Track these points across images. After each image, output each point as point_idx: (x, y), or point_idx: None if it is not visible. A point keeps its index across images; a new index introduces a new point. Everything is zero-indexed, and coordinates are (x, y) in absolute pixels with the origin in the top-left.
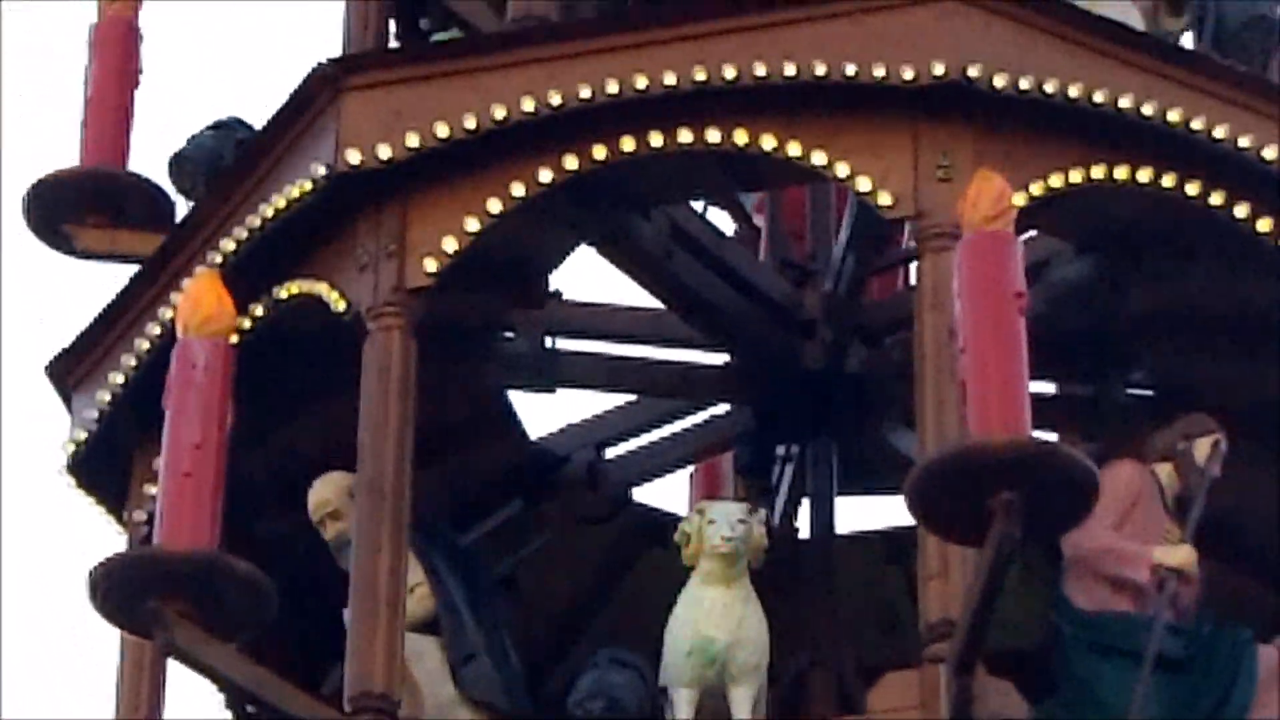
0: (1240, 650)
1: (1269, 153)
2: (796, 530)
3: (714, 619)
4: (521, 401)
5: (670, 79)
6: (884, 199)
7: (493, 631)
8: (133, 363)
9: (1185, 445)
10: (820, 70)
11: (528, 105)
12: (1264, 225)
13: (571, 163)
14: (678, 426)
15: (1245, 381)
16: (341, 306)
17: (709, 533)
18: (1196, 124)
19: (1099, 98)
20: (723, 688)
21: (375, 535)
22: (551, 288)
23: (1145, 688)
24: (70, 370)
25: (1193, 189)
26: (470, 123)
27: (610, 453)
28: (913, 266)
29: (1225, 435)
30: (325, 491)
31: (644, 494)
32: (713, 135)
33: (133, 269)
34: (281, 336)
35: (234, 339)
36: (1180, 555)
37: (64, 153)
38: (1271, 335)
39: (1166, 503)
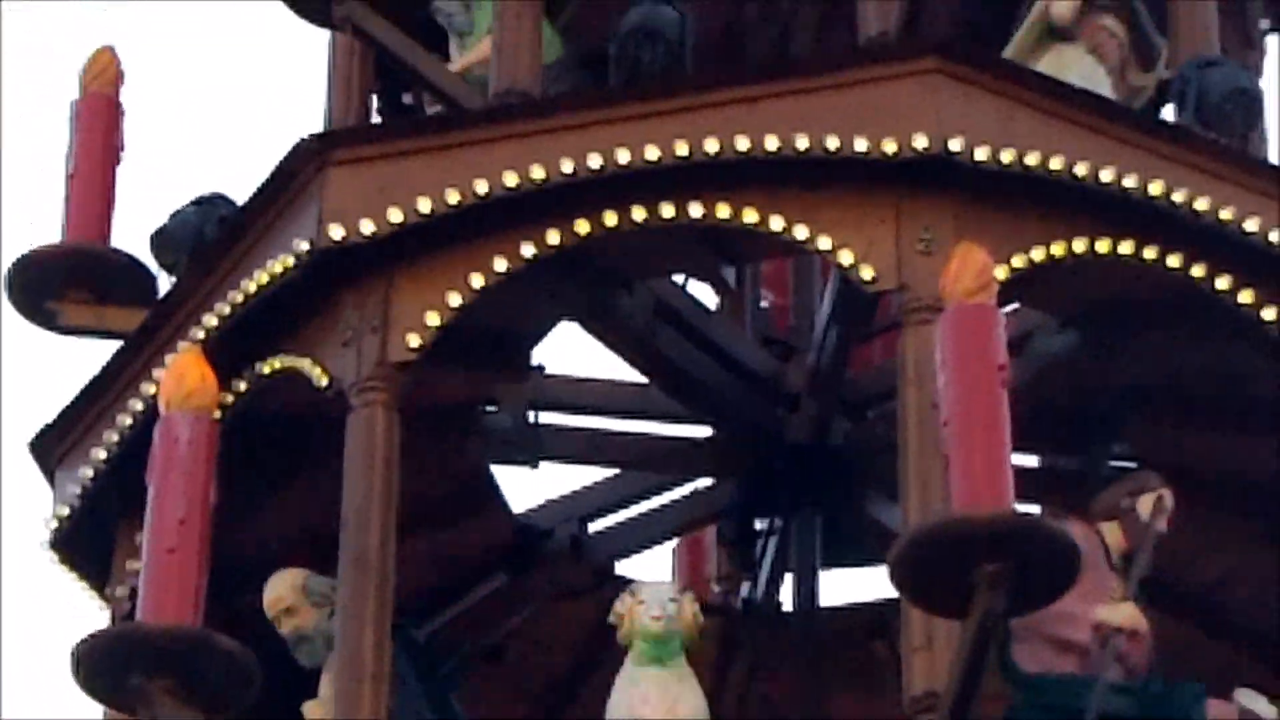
0: (1190, 706)
1: (1251, 225)
2: (780, 604)
3: (650, 700)
4: (505, 475)
5: (652, 153)
6: (866, 273)
7: None
8: (116, 438)
9: (1130, 502)
10: (802, 144)
11: (510, 180)
12: (1246, 298)
13: (554, 237)
14: (661, 500)
15: (1231, 456)
16: (325, 382)
17: (639, 613)
18: (1178, 197)
19: (1080, 171)
20: None
21: (360, 609)
22: (534, 362)
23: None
24: (53, 446)
25: (1174, 261)
26: (453, 198)
27: (594, 526)
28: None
29: (1170, 491)
30: (279, 589)
31: (627, 567)
32: (695, 210)
33: (116, 345)
34: (265, 412)
35: (217, 414)
36: (1123, 613)
37: (47, 229)
38: (1254, 408)
39: (1113, 561)
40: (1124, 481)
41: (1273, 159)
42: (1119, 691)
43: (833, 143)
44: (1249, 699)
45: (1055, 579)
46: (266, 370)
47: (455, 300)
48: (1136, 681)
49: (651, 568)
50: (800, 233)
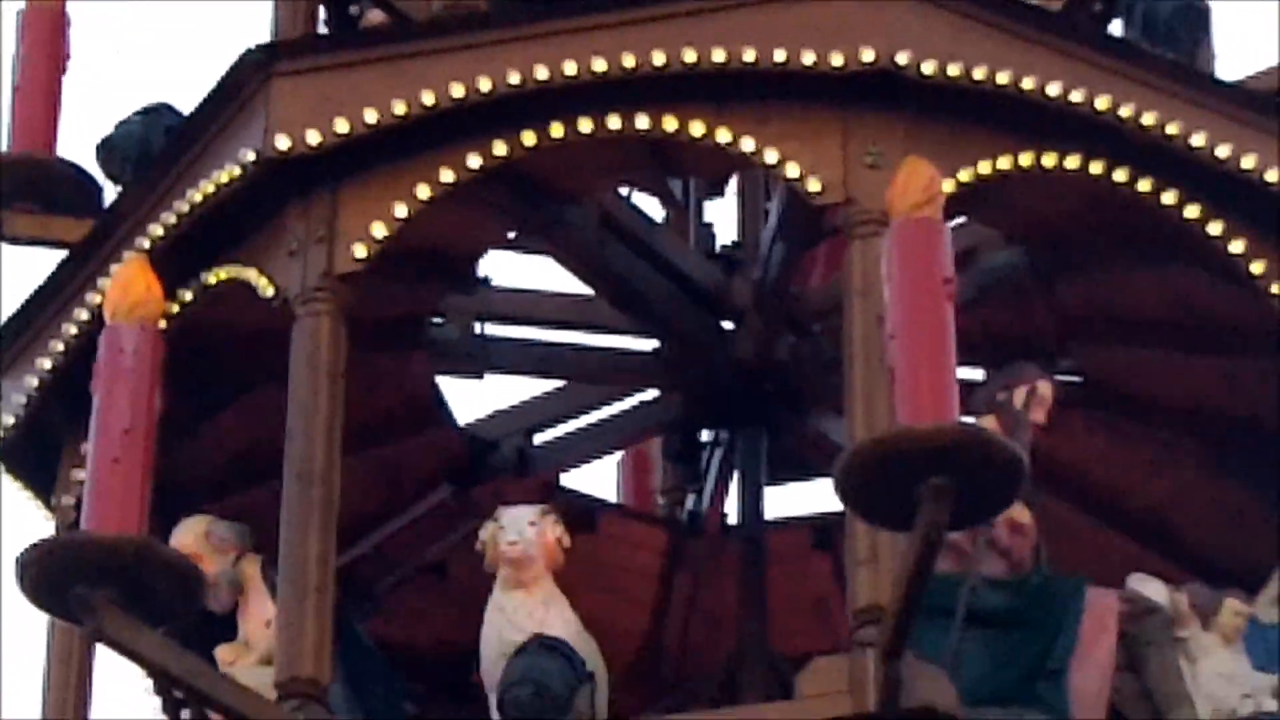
0: (1069, 597)
1: (1197, 140)
2: (725, 517)
3: (516, 623)
4: (451, 388)
5: (600, 65)
6: (813, 186)
7: (360, 660)
8: (61, 348)
9: (1005, 395)
10: (749, 57)
11: (457, 91)
12: (1192, 212)
13: (501, 149)
14: (607, 412)
15: (1179, 379)
16: (270, 292)
17: (499, 539)
18: (1124, 111)
19: (1027, 85)
20: None
21: (304, 522)
22: (481, 274)
23: (954, 644)
24: None
25: (1121, 176)
26: (400, 109)
27: (539, 439)
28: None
29: (1049, 381)
30: (183, 537)
31: (573, 479)
32: (642, 122)
33: (62, 255)
34: (212, 323)
35: (163, 325)
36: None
37: None
38: (1204, 332)
39: None
40: (1000, 373)
41: (1219, 74)
42: (995, 586)
43: (780, 56)
44: (1140, 583)
45: (999, 492)
46: (212, 281)
47: (401, 212)
48: (1016, 576)
49: (597, 480)
50: (747, 146)
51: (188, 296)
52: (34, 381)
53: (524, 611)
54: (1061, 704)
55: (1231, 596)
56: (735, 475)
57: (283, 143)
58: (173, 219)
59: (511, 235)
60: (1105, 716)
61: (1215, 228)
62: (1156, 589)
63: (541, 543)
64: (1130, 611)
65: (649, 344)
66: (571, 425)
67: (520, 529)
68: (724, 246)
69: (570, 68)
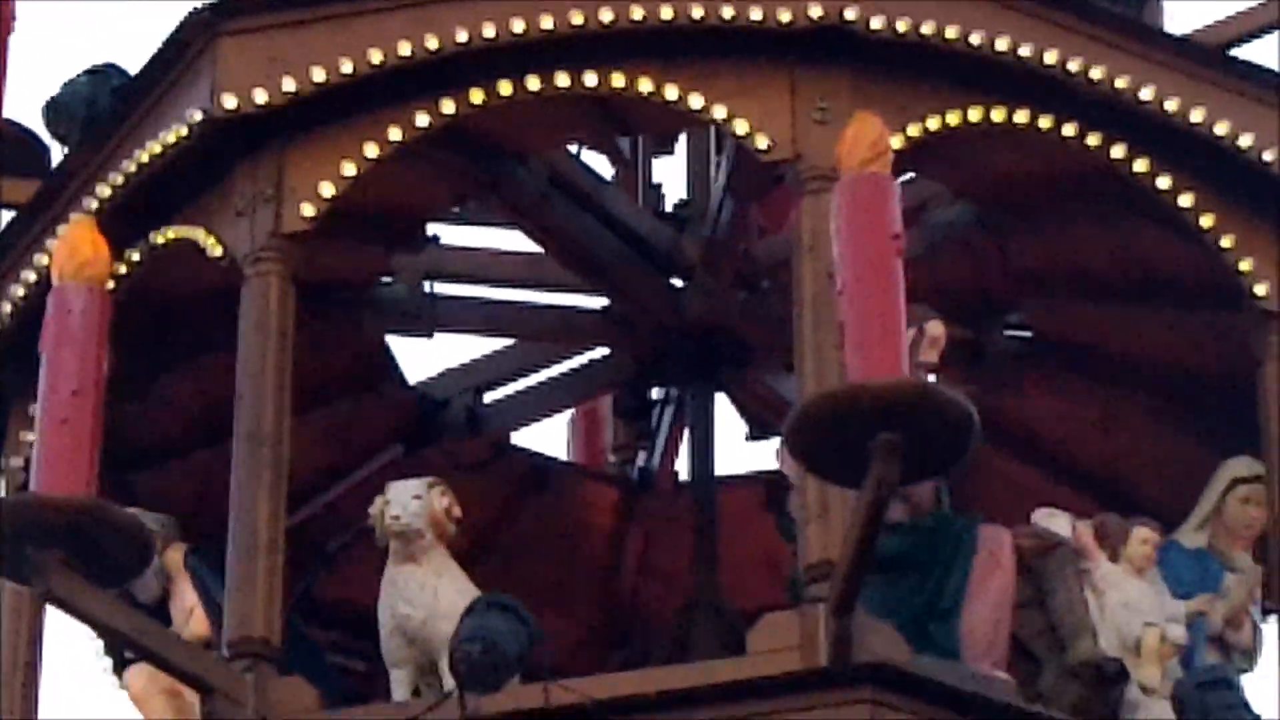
0: (961, 536)
1: (1146, 94)
2: (676, 474)
3: (407, 597)
4: (400, 347)
5: (547, 23)
6: (761, 142)
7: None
8: (8, 309)
9: None
10: (697, 13)
11: (404, 50)
12: (1141, 167)
13: (449, 107)
14: (557, 371)
15: (1130, 334)
16: (219, 252)
17: (386, 512)
18: (1073, 66)
19: (976, 40)
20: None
21: (255, 482)
22: (430, 232)
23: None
24: None
25: (1070, 131)
26: (347, 68)
27: (489, 397)
28: None
29: (938, 320)
30: None
31: (524, 438)
32: (590, 79)
33: (8, 216)
34: (160, 284)
35: (111, 285)
36: None
37: None
38: (1154, 286)
39: None
40: None
41: (1168, 28)
42: (890, 531)
43: (727, 12)
44: (1046, 518)
45: (950, 448)
46: (160, 241)
47: (349, 170)
48: (911, 520)
49: (548, 438)
50: (695, 102)
51: (135, 257)
52: None
53: (415, 584)
54: (952, 644)
55: (1142, 525)
56: (686, 432)
57: (230, 102)
58: (120, 179)
59: (460, 199)
60: (1003, 653)
61: (1165, 182)
62: (1061, 523)
63: (429, 515)
64: (1036, 546)
65: (599, 302)
66: (522, 384)
67: (404, 503)
68: (674, 204)
69: (518, 26)
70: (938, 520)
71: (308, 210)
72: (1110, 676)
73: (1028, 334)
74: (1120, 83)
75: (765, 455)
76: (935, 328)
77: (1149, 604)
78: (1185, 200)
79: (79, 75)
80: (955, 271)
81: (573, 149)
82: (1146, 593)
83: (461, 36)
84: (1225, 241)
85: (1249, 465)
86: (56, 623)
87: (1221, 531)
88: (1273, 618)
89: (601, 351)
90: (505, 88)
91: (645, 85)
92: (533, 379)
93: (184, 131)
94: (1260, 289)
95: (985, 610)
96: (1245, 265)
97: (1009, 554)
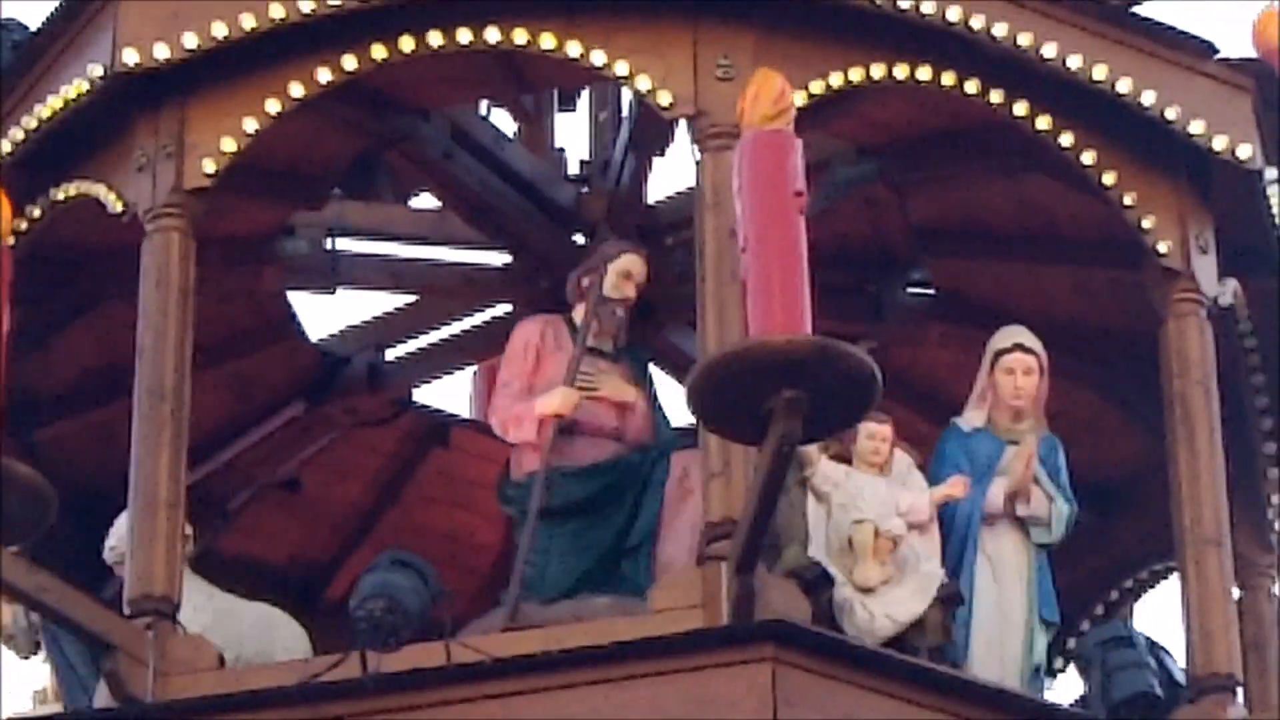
0: (651, 470)
1: (1048, 51)
2: None
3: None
4: (302, 303)
5: None
6: (663, 98)
7: None
8: None
9: (588, 279)
10: None
11: (306, 6)
12: (1043, 123)
13: (350, 63)
14: (460, 327)
15: (1030, 289)
16: (120, 208)
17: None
18: (976, 23)
19: None
20: None
21: (156, 438)
22: (332, 188)
23: (529, 543)
24: None
25: (972, 88)
26: (248, 23)
27: (391, 354)
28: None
29: (634, 253)
30: None
31: (426, 395)
32: (492, 35)
33: None
34: (61, 240)
35: (11, 242)
36: (554, 401)
37: None
38: (1054, 242)
39: (587, 343)
40: (585, 260)
41: None
42: (573, 477)
43: None
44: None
45: (852, 404)
46: (61, 196)
47: (251, 126)
48: (597, 463)
49: (450, 395)
50: (597, 58)
51: (36, 213)
52: None
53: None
54: (644, 579)
55: (870, 420)
56: None
57: (130, 57)
58: (20, 135)
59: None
60: None
61: (1067, 139)
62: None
63: None
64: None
65: (502, 258)
66: (424, 340)
67: (120, 535)
68: (578, 161)
69: None
70: (623, 460)
71: (209, 166)
72: (810, 582)
73: (929, 289)
74: (1023, 40)
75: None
76: (627, 261)
77: (869, 500)
78: (1087, 157)
79: None
80: (856, 227)
81: (480, 106)
82: (872, 489)
83: None
84: (1127, 199)
85: (1008, 335)
86: None
87: (996, 406)
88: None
89: (504, 308)
90: (407, 43)
91: (548, 41)
92: (435, 336)
93: (85, 87)
94: (1162, 246)
95: (682, 539)
96: (1147, 223)
97: (696, 478)
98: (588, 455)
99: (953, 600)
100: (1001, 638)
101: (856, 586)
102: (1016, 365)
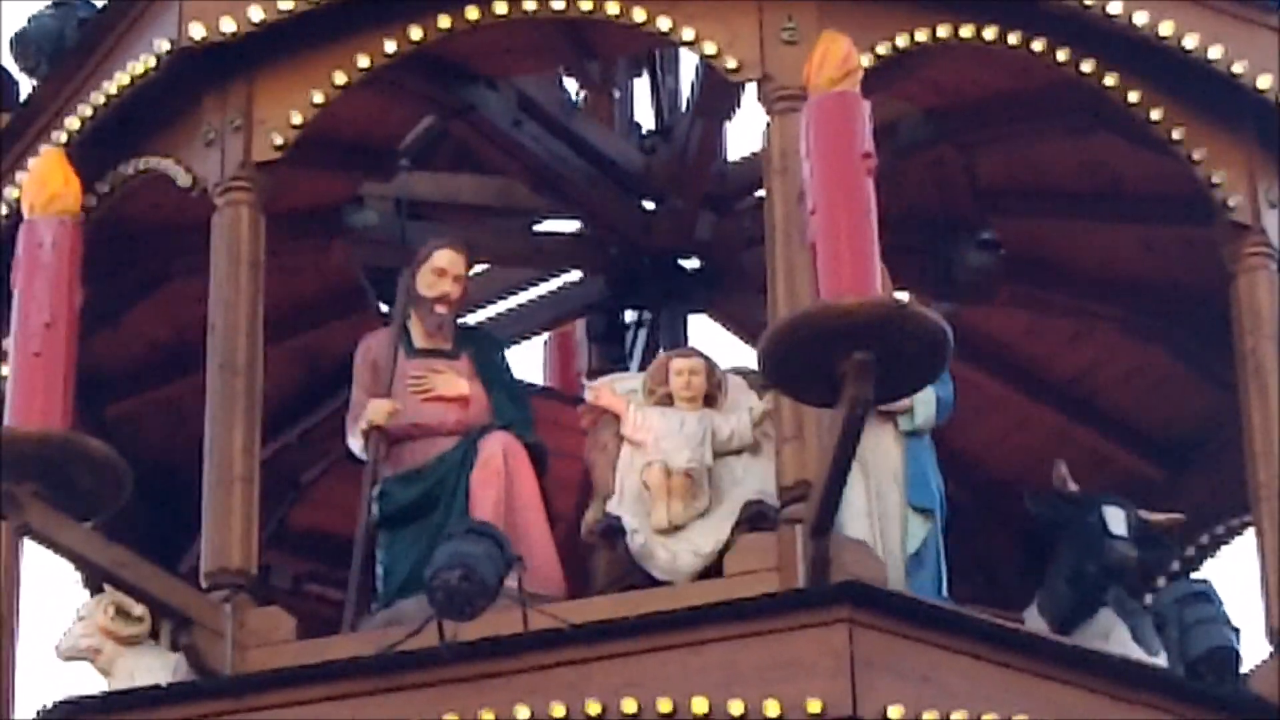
0: (461, 462)
1: (1115, 8)
2: None
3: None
4: (373, 274)
5: None
6: (729, 63)
7: None
8: None
9: (406, 273)
10: None
11: None
12: (1111, 81)
13: (416, 34)
14: (530, 295)
15: (1095, 247)
16: (188, 183)
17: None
18: None
19: None
20: None
21: (229, 412)
22: (400, 160)
23: (361, 550)
24: None
25: (1039, 47)
26: None
27: (462, 322)
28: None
29: (449, 249)
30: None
31: None
32: (558, 3)
33: None
34: (131, 215)
35: (81, 218)
36: (368, 415)
37: None
38: (1120, 201)
39: (420, 348)
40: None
41: None
42: (403, 482)
43: None
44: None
45: (923, 365)
46: (130, 172)
47: (318, 98)
48: (431, 460)
49: (522, 362)
50: (663, 24)
51: (105, 189)
52: None
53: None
54: None
55: (677, 356)
56: (660, 354)
57: (197, 31)
58: (89, 111)
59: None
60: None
61: (1135, 96)
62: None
63: (97, 629)
64: (588, 424)
65: (571, 225)
66: (495, 309)
67: (68, 629)
68: (644, 129)
69: None
70: (447, 455)
71: (277, 139)
72: (603, 535)
73: (999, 250)
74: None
75: None
76: (443, 256)
77: (671, 439)
78: (1156, 114)
79: (46, 8)
80: (925, 189)
81: (542, 73)
82: (675, 427)
83: None
84: (1197, 155)
85: None
86: (34, 556)
87: None
88: None
89: (574, 275)
90: (473, 13)
91: (613, 8)
92: (506, 304)
93: (152, 62)
94: (1231, 201)
95: (488, 519)
96: (1217, 178)
97: (501, 456)
98: (431, 455)
99: (759, 518)
100: (882, 531)
101: (655, 529)
102: None
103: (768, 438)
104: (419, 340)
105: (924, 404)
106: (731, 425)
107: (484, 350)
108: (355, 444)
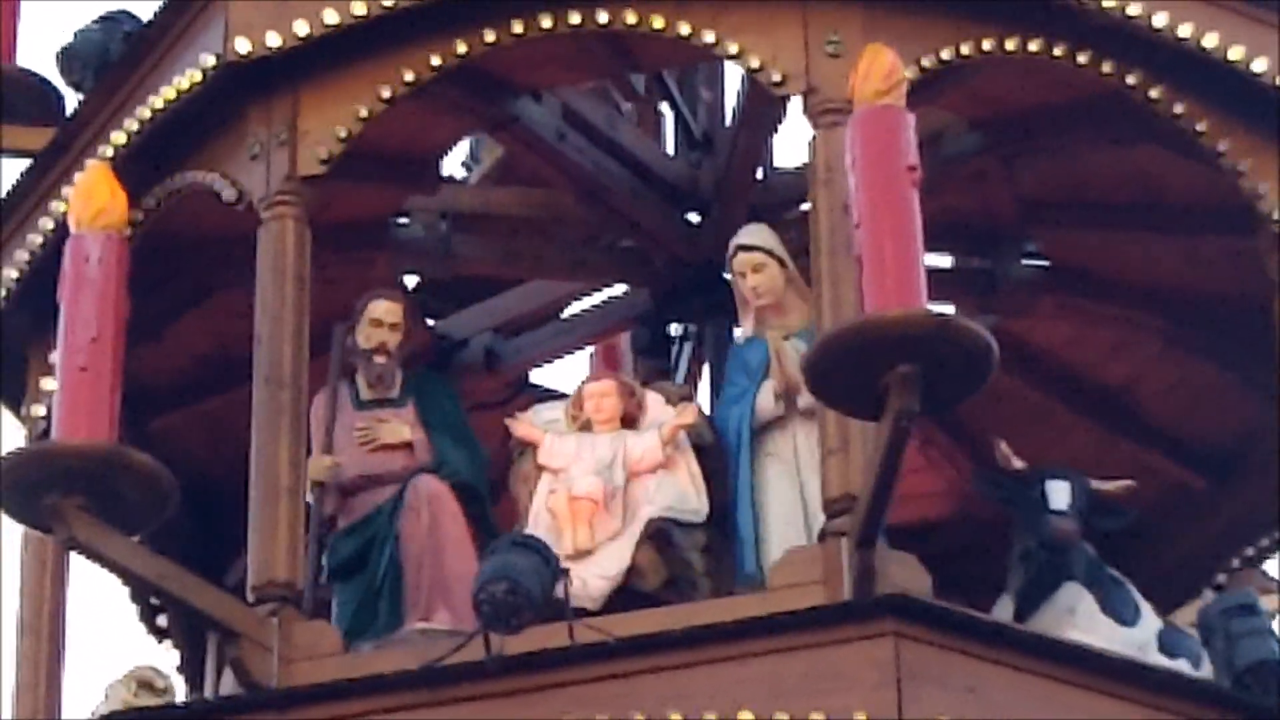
0: (398, 502)
1: (1159, 20)
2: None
3: None
4: (418, 286)
5: None
6: (774, 76)
7: None
8: (26, 257)
9: (340, 329)
10: None
11: None
12: (1155, 93)
13: (461, 47)
14: (576, 307)
15: (1140, 258)
16: (234, 196)
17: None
18: None
19: None
20: None
21: (275, 425)
22: (444, 173)
23: (310, 600)
24: None
25: (1083, 59)
26: (359, 9)
27: (508, 335)
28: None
29: (383, 299)
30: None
31: (542, 376)
32: (602, 16)
33: (24, 164)
34: (177, 229)
35: (127, 232)
36: (313, 468)
37: None
38: (1164, 212)
39: (366, 399)
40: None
41: None
42: (348, 534)
43: None
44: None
45: (967, 377)
46: (175, 186)
47: (363, 112)
48: (369, 511)
49: (566, 376)
50: (707, 37)
51: (151, 203)
52: (0, 292)
53: None
54: (397, 614)
55: (589, 381)
56: (705, 367)
57: (243, 46)
58: (135, 125)
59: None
60: (440, 599)
61: (1179, 107)
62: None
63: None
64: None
65: (615, 239)
66: (540, 322)
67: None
68: (689, 139)
69: None
70: (382, 504)
71: (322, 152)
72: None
73: (1042, 261)
74: (1133, 9)
75: None
76: (378, 307)
77: (580, 464)
78: (1201, 126)
79: (92, 22)
80: (969, 201)
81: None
82: (586, 451)
83: None
84: (1241, 166)
85: (733, 241)
86: (80, 570)
87: (748, 312)
88: None
89: (619, 288)
90: (517, 26)
91: (657, 21)
92: (551, 317)
93: (197, 76)
94: (1276, 213)
95: (411, 563)
96: (1262, 189)
97: (424, 499)
98: (372, 506)
99: (661, 535)
100: (809, 531)
101: (563, 556)
102: (742, 267)
103: (682, 451)
104: (364, 392)
105: None
106: (644, 444)
107: (430, 395)
108: (310, 499)
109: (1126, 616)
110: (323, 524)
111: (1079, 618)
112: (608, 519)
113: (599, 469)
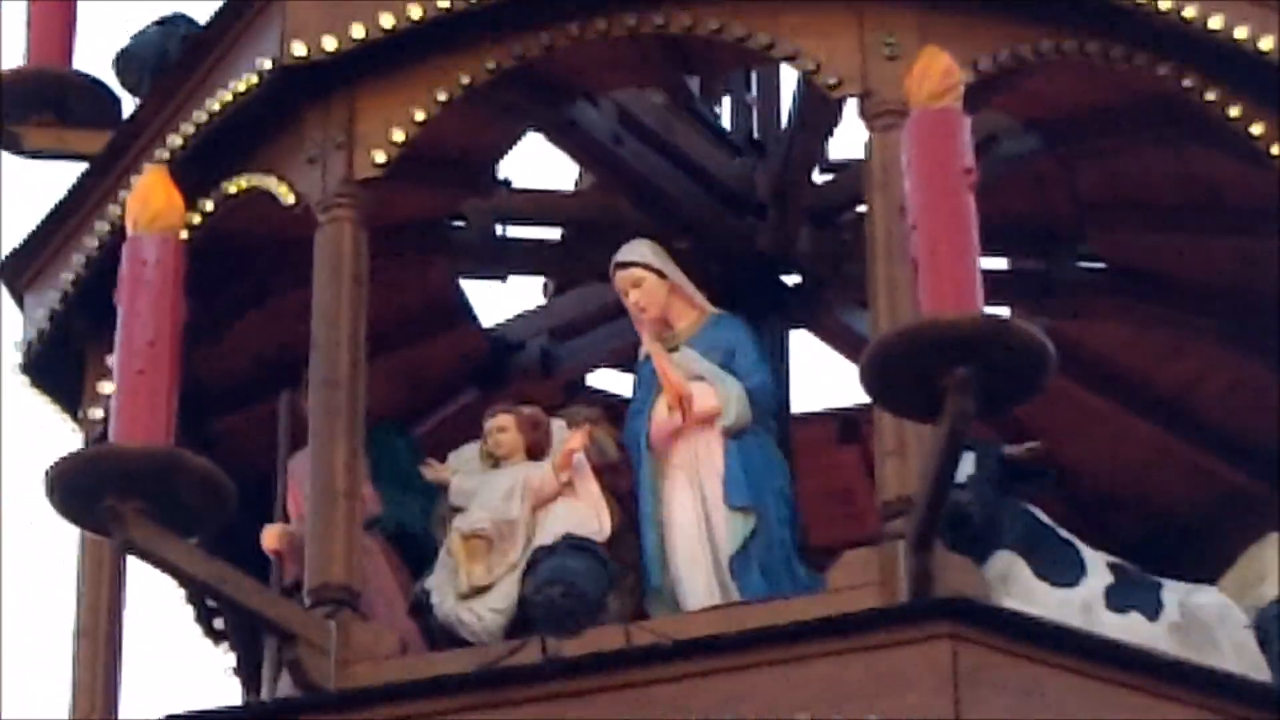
0: None
1: (1214, 23)
2: None
3: None
4: (474, 290)
5: None
6: (830, 78)
7: None
8: (83, 261)
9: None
10: None
11: None
12: (1211, 95)
13: (517, 49)
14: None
15: (1197, 260)
16: (291, 200)
17: None
18: None
19: None
20: None
21: (331, 428)
22: (500, 175)
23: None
24: (22, 270)
25: (1141, 60)
26: (415, 12)
27: (563, 339)
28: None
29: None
30: None
31: (598, 379)
32: (657, 19)
33: (81, 167)
34: (233, 232)
35: (184, 235)
36: (265, 538)
37: (9, 53)
38: (1221, 213)
39: None
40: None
41: None
42: (292, 592)
43: None
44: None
45: (1024, 381)
46: (233, 189)
47: (419, 115)
48: None
49: (622, 379)
50: (762, 40)
51: (209, 206)
52: (57, 295)
53: None
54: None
55: (491, 415)
56: None
57: (299, 49)
58: (191, 129)
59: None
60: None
61: (1235, 110)
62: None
63: None
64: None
65: (671, 241)
66: (595, 325)
67: None
68: (746, 143)
69: None
70: None
71: (379, 156)
72: (414, 609)
73: (1098, 263)
74: (1189, 11)
75: (839, 390)
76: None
77: (478, 500)
78: (1256, 128)
79: (149, 26)
80: (1025, 203)
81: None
82: (483, 487)
83: None
84: None
85: (622, 251)
86: (138, 572)
87: (642, 328)
88: None
89: None
90: (574, 29)
91: (712, 24)
92: (606, 320)
93: (254, 80)
94: None
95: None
96: None
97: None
98: None
99: (533, 564)
100: (709, 540)
101: (458, 595)
102: (622, 285)
103: (582, 474)
104: None
105: (734, 400)
106: (541, 473)
107: (381, 445)
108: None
109: (1067, 578)
110: (284, 591)
111: (1011, 584)
112: (507, 551)
113: (494, 503)
